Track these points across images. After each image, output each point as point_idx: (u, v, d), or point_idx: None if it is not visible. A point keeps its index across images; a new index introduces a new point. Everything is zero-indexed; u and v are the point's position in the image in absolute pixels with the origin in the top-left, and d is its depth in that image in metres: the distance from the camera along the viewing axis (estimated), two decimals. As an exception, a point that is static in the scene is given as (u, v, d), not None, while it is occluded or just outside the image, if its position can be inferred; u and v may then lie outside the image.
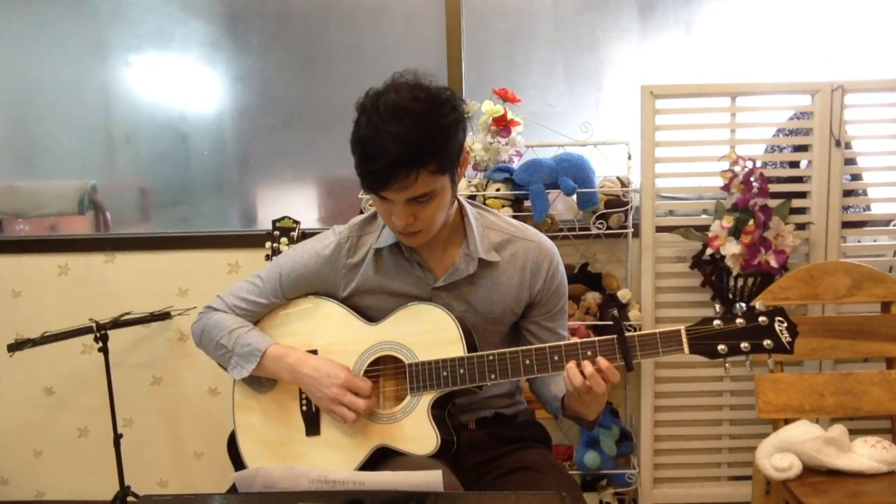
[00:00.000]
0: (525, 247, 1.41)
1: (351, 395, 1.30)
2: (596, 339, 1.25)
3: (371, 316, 1.40)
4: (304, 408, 1.40)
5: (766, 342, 1.20)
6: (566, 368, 1.24)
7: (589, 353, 1.24)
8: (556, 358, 1.27)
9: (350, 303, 1.42)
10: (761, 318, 1.21)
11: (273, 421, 1.42)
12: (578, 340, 1.26)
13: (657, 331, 1.23)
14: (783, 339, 1.20)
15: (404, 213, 1.25)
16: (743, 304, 1.22)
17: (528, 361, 1.28)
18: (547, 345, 1.29)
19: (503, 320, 1.42)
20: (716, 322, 1.22)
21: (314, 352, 1.40)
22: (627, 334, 1.23)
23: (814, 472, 1.68)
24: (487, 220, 1.43)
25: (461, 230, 1.40)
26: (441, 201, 1.27)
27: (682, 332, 1.22)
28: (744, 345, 1.21)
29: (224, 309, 1.46)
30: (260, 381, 1.43)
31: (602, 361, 1.22)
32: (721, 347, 1.21)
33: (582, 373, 1.22)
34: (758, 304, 1.22)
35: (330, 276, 1.42)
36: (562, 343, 1.28)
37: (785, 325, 1.21)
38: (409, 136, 1.17)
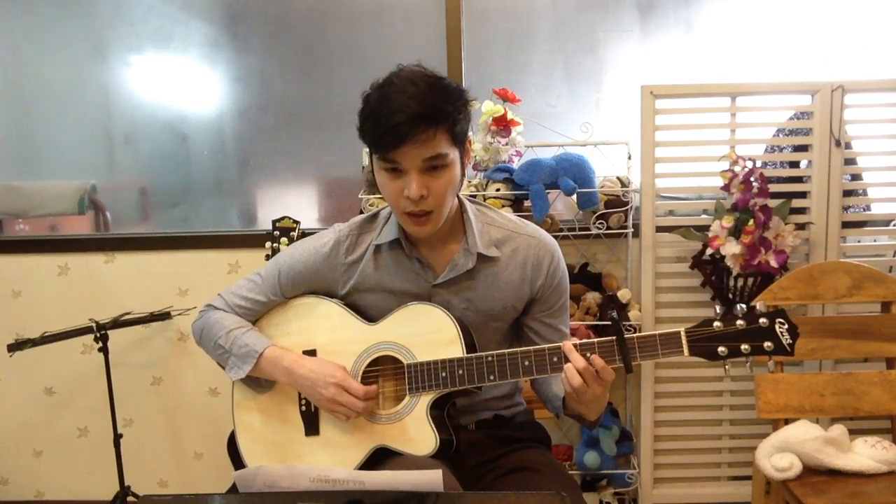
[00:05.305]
0: (526, 243, 1.40)
1: (347, 394, 1.30)
2: (595, 340, 1.25)
3: (370, 315, 1.40)
4: (304, 408, 1.40)
5: (767, 344, 1.19)
6: (564, 370, 1.23)
7: (588, 355, 1.23)
8: (555, 359, 1.26)
9: (349, 301, 1.42)
10: (762, 320, 1.19)
11: (273, 421, 1.42)
12: (578, 341, 1.26)
13: (656, 332, 1.22)
14: (784, 341, 1.19)
15: (418, 184, 1.23)
16: (743, 306, 1.21)
17: (526, 363, 1.28)
18: (546, 346, 1.28)
19: (504, 317, 1.42)
20: (716, 324, 1.20)
21: (312, 351, 1.40)
22: (627, 336, 1.22)
23: (814, 472, 1.68)
24: (487, 216, 1.43)
25: (461, 227, 1.40)
26: (452, 175, 1.27)
27: (682, 334, 1.21)
28: (744, 346, 1.19)
29: (224, 307, 1.46)
30: (259, 381, 1.43)
31: (597, 361, 1.21)
32: (721, 349, 1.20)
33: (580, 373, 1.21)
34: (758, 305, 1.21)
35: (328, 273, 1.42)
36: (560, 345, 1.27)
37: (786, 326, 1.19)
38: (427, 96, 1.20)
